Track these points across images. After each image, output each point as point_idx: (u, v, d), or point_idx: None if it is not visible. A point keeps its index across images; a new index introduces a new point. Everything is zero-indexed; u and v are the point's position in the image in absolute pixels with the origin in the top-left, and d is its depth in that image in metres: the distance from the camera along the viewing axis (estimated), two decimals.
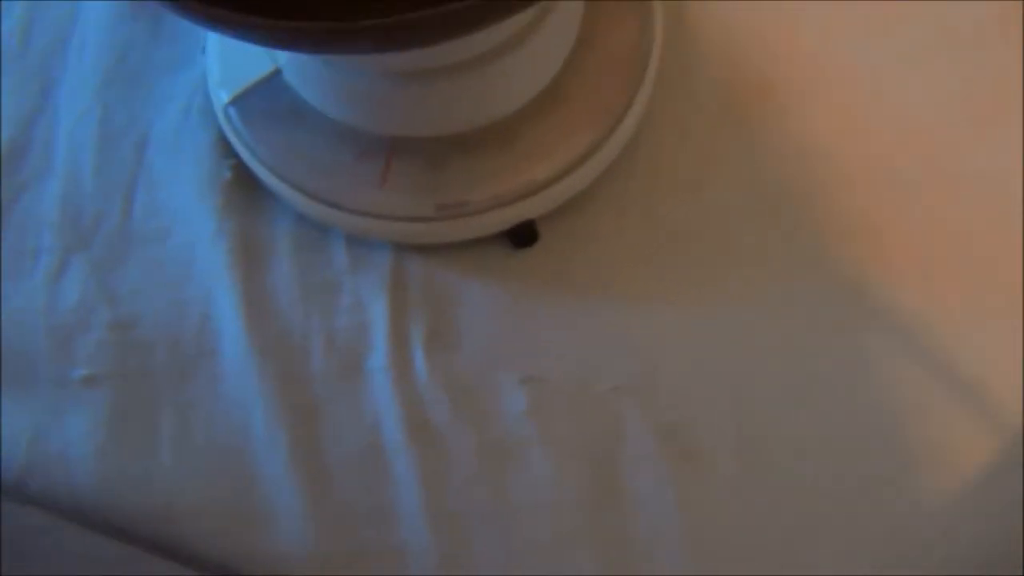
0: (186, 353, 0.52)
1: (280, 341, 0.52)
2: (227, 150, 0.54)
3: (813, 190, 0.53)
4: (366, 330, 0.52)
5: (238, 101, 0.52)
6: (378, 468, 0.49)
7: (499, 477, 0.49)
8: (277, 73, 0.51)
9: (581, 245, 0.53)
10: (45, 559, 0.45)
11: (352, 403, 0.49)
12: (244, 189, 0.54)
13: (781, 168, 0.53)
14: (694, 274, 0.52)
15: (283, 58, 0.52)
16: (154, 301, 0.52)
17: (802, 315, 0.51)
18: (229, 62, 0.53)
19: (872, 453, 0.48)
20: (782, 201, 0.53)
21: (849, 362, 0.50)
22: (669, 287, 0.52)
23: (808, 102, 0.54)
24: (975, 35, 0.55)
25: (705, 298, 0.51)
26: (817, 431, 0.48)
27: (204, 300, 0.52)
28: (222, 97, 0.52)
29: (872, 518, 0.47)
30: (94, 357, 0.52)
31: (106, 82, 0.57)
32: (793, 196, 0.53)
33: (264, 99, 0.51)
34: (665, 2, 0.55)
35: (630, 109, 0.52)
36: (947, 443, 0.48)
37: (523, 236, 0.52)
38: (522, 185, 0.51)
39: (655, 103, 0.54)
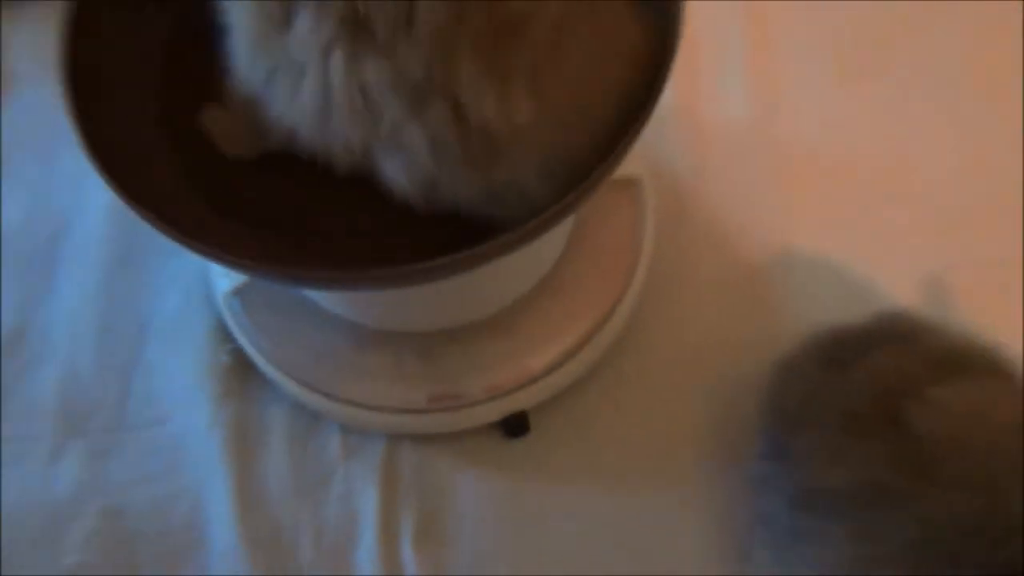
0: (175, 544, 0.51)
1: (270, 533, 0.51)
2: (226, 335, 0.55)
3: None
4: (355, 522, 0.52)
5: (240, 291, 0.53)
6: None
7: None
8: None
9: (575, 432, 0.53)
10: None
11: None
12: (241, 375, 0.54)
13: None
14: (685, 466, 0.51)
15: None
16: (145, 491, 0.52)
17: None
18: None
19: None
20: None
21: None
22: (667, 476, 0.51)
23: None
24: None
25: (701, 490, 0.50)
26: None
27: (195, 491, 0.52)
28: (224, 286, 0.54)
29: None
30: (84, 545, 0.51)
31: (107, 268, 0.58)
32: None
33: (265, 290, 0.52)
34: (661, 188, 0.56)
35: (624, 296, 0.53)
36: None
37: (515, 426, 0.52)
38: (517, 376, 0.51)
39: (651, 289, 0.54)
